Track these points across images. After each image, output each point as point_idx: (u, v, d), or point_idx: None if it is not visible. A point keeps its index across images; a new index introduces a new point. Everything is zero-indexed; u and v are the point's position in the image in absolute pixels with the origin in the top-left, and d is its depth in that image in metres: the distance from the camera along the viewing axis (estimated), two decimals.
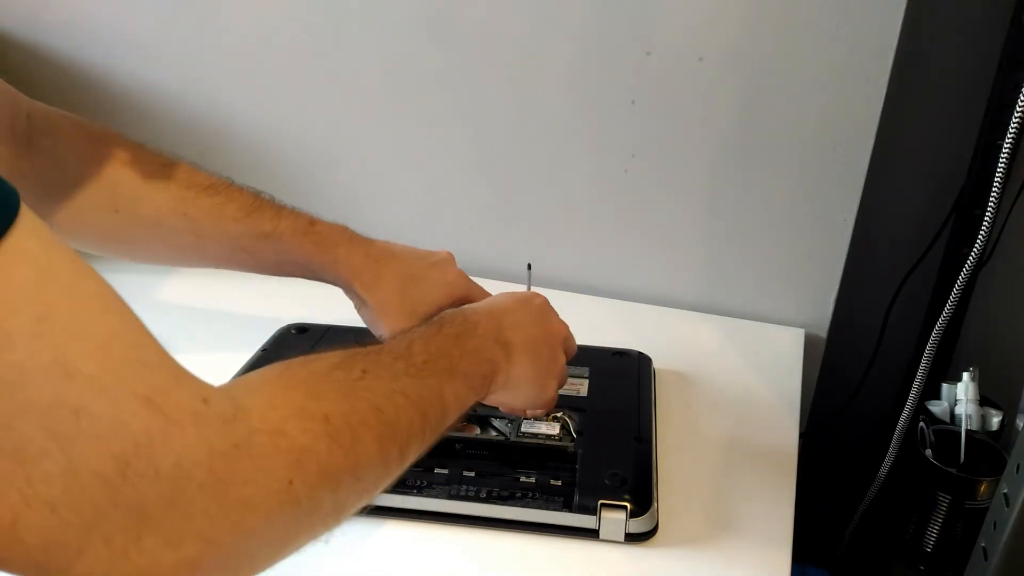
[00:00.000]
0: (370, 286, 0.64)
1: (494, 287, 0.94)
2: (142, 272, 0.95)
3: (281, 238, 0.62)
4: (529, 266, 0.70)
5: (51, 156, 0.57)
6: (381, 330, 0.65)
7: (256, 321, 0.82)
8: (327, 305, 0.75)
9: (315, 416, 0.36)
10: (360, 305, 0.66)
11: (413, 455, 0.43)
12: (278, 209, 0.63)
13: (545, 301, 0.63)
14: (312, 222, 0.64)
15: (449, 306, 0.66)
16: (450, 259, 0.70)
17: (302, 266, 0.63)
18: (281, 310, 0.83)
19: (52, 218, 0.58)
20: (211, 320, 0.87)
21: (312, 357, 0.41)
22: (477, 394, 0.50)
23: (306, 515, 0.36)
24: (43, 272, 0.28)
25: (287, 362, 0.39)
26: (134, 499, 0.28)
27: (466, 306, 0.57)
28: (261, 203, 0.63)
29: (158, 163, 0.60)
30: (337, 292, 0.72)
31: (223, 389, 0.34)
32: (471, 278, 0.70)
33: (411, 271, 0.66)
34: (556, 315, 0.63)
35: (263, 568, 0.35)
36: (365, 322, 0.66)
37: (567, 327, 0.63)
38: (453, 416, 0.47)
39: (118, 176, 0.59)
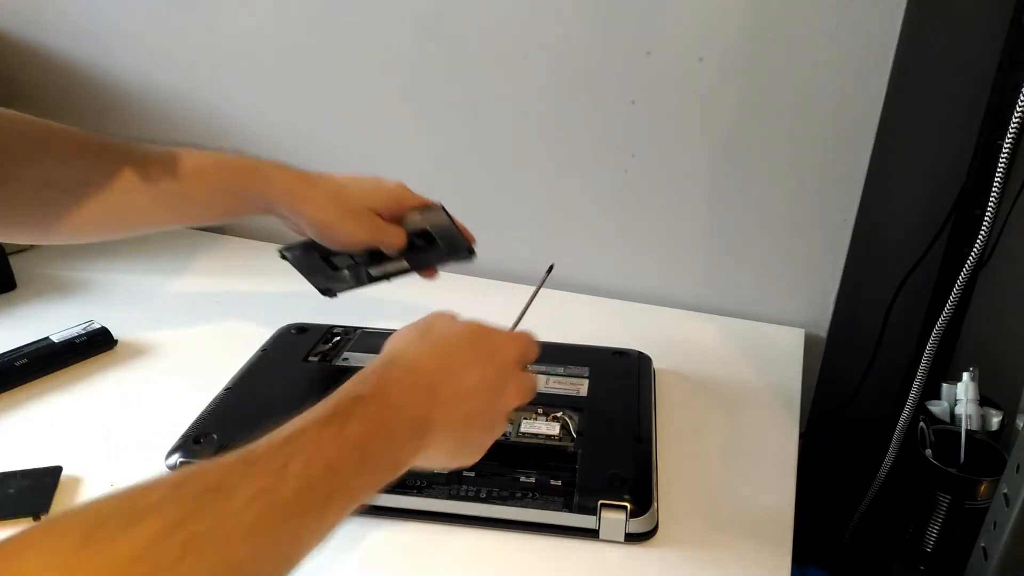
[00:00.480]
0: (308, 201, 0.65)
1: (494, 287, 0.95)
2: (143, 273, 0.96)
3: (209, 171, 0.62)
4: (551, 268, 0.69)
5: None
6: (327, 241, 0.66)
7: (256, 321, 0.82)
8: (327, 305, 0.75)
9: None
10: (299, 222, 0.66)
11: None
12: (200, 149, 0.64)
13: (510, 357, 0.52)
14: (240, 154, 0.65)
15: (389, 209, 0.67)
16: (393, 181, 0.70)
17: (234, 193, 0.64)
18: (281, 310, 0.83)
19: None
20: (211, 320, 0.87)
21: (136, 511, 0.31)
22: (356, 503, 0.41)
23: None
24: None
25: (102, 518, 0.31)
26: None
27: (415, 359, 0.47)
28: (179, 150, 0.63)
29: (80, 136, 0.62)
30: None
31: None
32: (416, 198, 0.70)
33: (345, 179, 0.68)
34: (520, 377, 0.52)
35: None
36: (314, 236, 0.67)
37: (518, 346, 0.53)
38: (316, 546, 0.39)
39: (44, 149, 0.59)
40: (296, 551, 0.37)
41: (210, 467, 0.35)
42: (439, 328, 0.52)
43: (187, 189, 0.62)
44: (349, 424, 0.40)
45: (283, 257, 0.72)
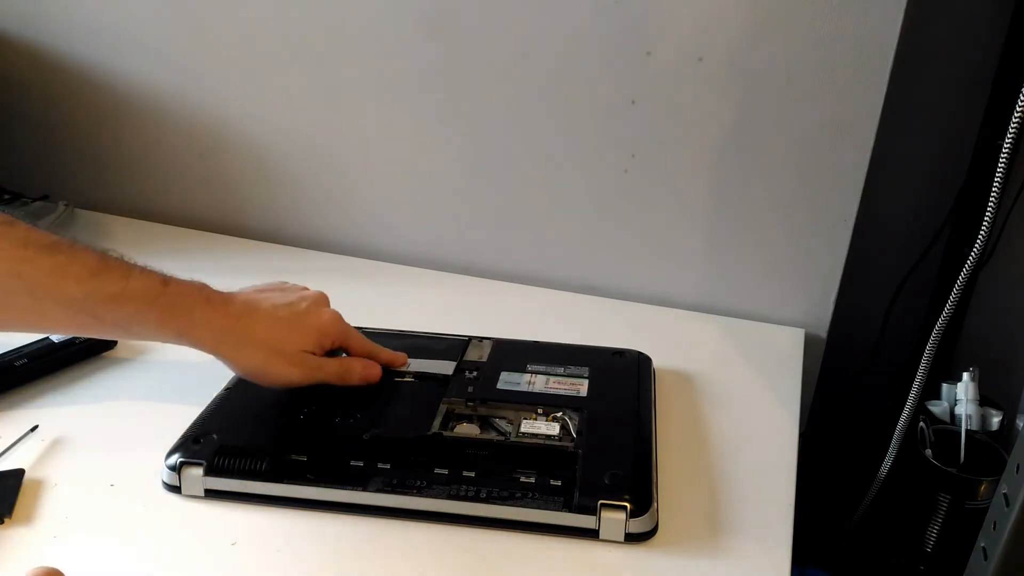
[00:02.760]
0: (237, 349, 0.62)
1: (494, 287, 0.95)
2: None
3: (130, 300, 0.57)
4: None
5: None
6: (261, 383, 0.64)
7: None
8: None
9: None
10: (241, 371, 0.64)
11: None
12: (128, 269, 0.58)
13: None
14: (165, 281, 0.60)
15: (325, 351, 0.66)
16: (322, 299, 0.68)
17: (153, 331, 0.60)
18: None
19: None
20: None
21: None
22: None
23: None
24: None
25: None
26: None
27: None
28: (108, 263, 0.58)
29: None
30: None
31: None
32: (353, 328, 0.69)
33: (278, 325, 0.63)
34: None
35: None
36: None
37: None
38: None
39: None
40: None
41: None
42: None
43: (108, 315, 0.58)
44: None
45: None
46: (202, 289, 0.62)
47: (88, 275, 0.56)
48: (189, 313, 0.60)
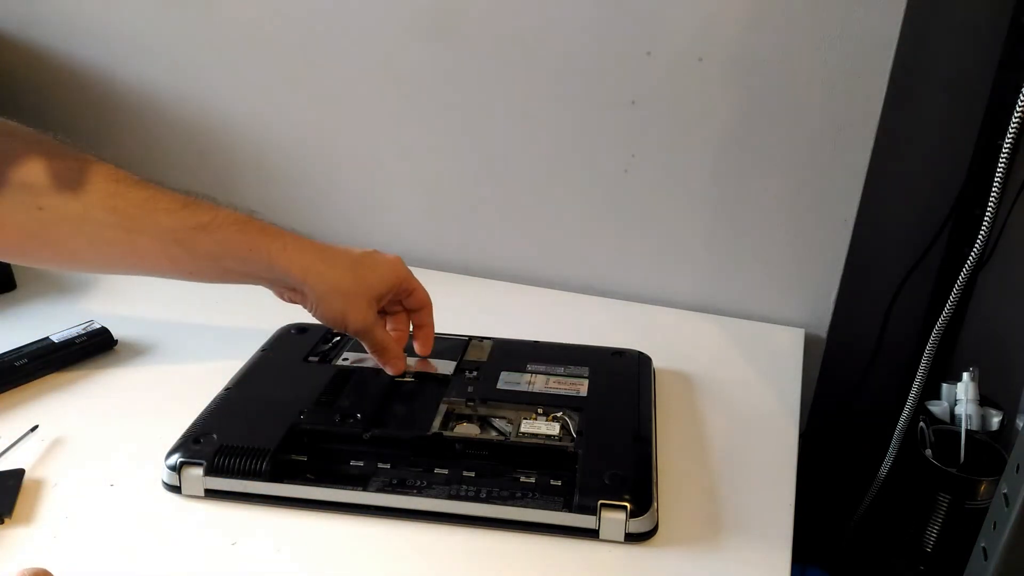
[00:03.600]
0: (324, 274, 0.62)
1: (494, 287, 0.95)
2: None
3: (220, 228, 0.58)
4: None
5: None
6: (343, 322, 0.64)
7: (256, 321, 0.82)
8: None
9: None
10: (314, 303, 0.63)
11: None
12: (213, 202, 0.60)
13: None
14: (251, 214, 0.61)
15: (397, 287, 0.67)
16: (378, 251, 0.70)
17: (243, 259, 0.60)
18: (281, 310, 0.83)
19: None
20: (211, 320, 0.87)
21: None
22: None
23: None
24: None
25: None
26: None
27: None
28: (195, 198, 0.59)
29: (75, 156, 0.57)
30: None
31: None
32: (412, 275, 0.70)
33: (356, 257, 0.65)
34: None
35: None
36: (318, 317, 0.65)
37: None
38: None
39: (37, 171, 0.55)
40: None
41: None
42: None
43: (200, 244, 0.59)
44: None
45: None
46: (282, 229, 0.63)
47: (179, 206, 0.57)
48: (280, 237, 0.61)
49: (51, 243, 0.57)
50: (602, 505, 0.57)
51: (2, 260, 0.57)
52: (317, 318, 0.66)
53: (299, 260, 0.60)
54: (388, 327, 0.71)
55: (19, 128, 0.57)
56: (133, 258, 0.59)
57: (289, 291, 0.65)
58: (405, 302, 0.70)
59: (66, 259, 0.60)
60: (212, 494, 0.60)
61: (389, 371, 0.69)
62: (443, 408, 0.66)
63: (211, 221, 0.58)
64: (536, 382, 0.70)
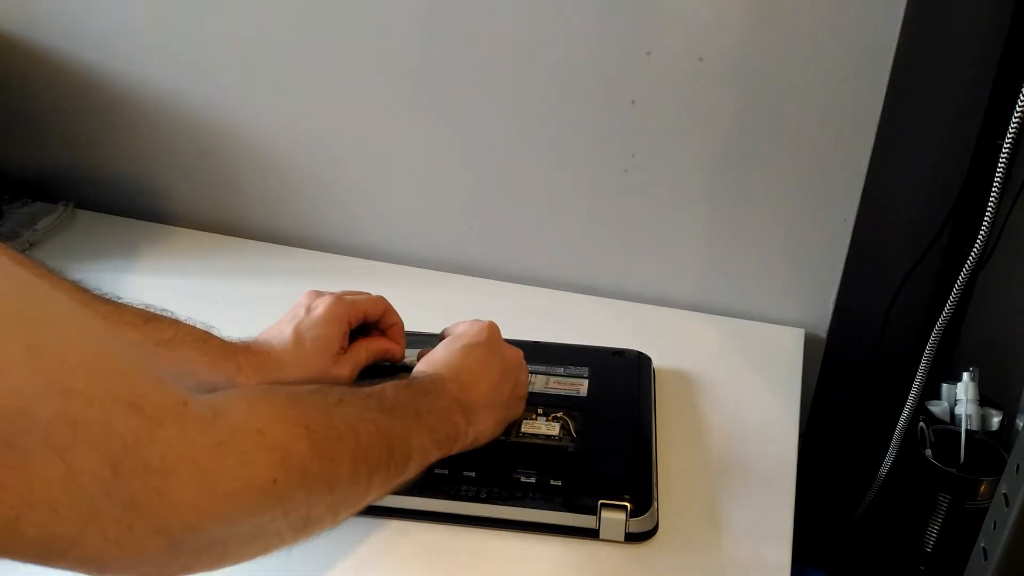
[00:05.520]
0: (282, 368, 0.62)
1: (495, 287, 0.95)
2: (143, 273, 0.96)
3: (181, 345, 0.59)
4: None
5: None
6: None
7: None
8: None
9: (297, 422, 0.39)
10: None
11: (377, 489, 0.46)
12: (174, 319, 0.61)
13: (495, 333, 0.64)
14: (208, 331, 0.62)
15: (342, 333, 0.66)
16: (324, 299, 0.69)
17: (204, 380, 0.60)
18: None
19: None
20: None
21: (289, 384, 0.43)
22: (439, 449, 0.53)
23: (283, 515, 0.37)
24: (20, 304, 0.30)
25: (265, 384, 0.42)
26: (126, 492, 0.30)
27: (430, 364, 0.60)
28: (156, 314, 0.60)
29: (43, 270, 0.56)
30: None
31: (203, 397, 0.36)
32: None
33: (296, 337, 0.65)
34: (505, 344, 0.65)
35: (231, 563, 0.36)
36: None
37: (519, 352, 0.65)
38: (416, 465, 0.50)
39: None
40: (405, 447, 0.49)
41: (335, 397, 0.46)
42: (473, 343, 0.62)
43: (161, 361, 0.58)
44: (415, 384, 0.54)
45: None
46: (240, 342, 0.64)
47: (142, 321, 0.59)
48: (235, 358, 0.61)
49: None
50: (602, 505, 0.57)
51: None
52: None
53: (254, 379, 0.61)
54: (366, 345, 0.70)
55: None
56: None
57: None
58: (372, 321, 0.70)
59: None
60: None
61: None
62: None
63: (172, 338, 0.59)
64: (536, 382, 0.71)
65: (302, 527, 0.40)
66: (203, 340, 0.61)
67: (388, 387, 0.51)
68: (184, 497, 0.32)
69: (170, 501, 0.31)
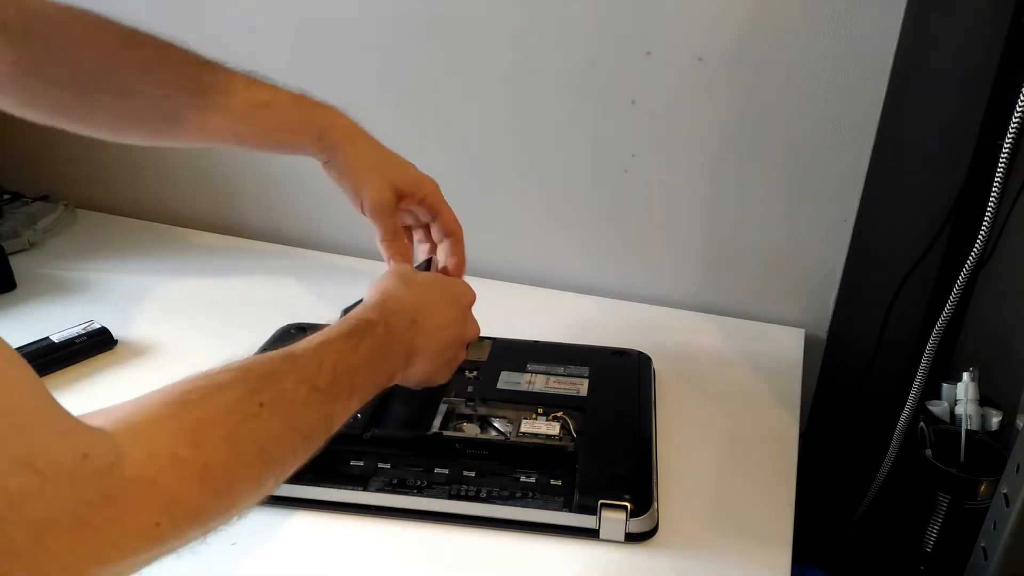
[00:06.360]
0: (356, 141, 0.67)
1: (494, 287, 0.95)
2: (143, 273, 0.96)
3: (280, 105, 0.64)
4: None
5: (52, 47, 0.58)
6: (360, 194, 0.66)
7: (256, 321, 0.82)
8: (327, 306, 0.75)
9: (193, 466, 0.38)
10: (342, 168, 0.67)
11: (290, 474, 0.45)
12: (272, 82, 0.66)
13: (471, 300, 0.65)
14: (303, 92, 0.66)
15: (420, 190, 0.68)
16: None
17: (295, 131, 0.65)
18: (281, 310, 0.83)
19: (57, 105, 0.60)
20: (211, 320, 0.87)
21: (214, 386, 0.42)
22: (363, 402, 0.52)
23: (171, 548, 0.37)
24: None
25: (187, 391, 0.41)
26: (5, 543, 0.30)
27: (402, 297, 0.58)
28: (256, 78, 0.65)
29: (154, 45, 0.62)
30: (335, 292, 0.72)
31: (109, 434, 0.36)
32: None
33: (393, 152, 0.69)
34: (472, 317, 0.66)
35: None
36: (344, 186, 0.67)
37: (471, 292, 0.66)
38: (336, 430, 0.49)
39: (121, 59, 0.60)
40: (328, 428, 0.48)
41: (262, 360, 0.46)
42: (413, 277, 0.62)
43: (261, 120, 0.64)
44: (363, 341, 0.52)
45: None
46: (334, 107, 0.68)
47: (243, 86, 0.63)
48: (330, 112, 0.66)
49: (135, 123, 0.63)
50: (602, 505, 0.57)
51: (96, 137, 0.62)
52: (344, 190, 0.67)
53: (341, 125, 0.66)
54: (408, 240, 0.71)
55: (103, 20, 0.61)
56: (204, 133, 0.64)
57: (325, 165, 0.68)
58: (433, 224, 0.71)
59: (146, 136, 0.65)
60: None
61: (393, 264, 0.68)
62: (443, 408, 0.67)
63: (272, 99, 0.64)
64: (536, 382, 0.71)
65: (200, 539, 0.39)
66: (298, 99, 0.65)
67: (329, 356, 0.48)
68: (63, 545, 0.32)
69: (49, 550, 0.31)
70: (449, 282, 0.65)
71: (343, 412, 0.49)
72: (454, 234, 0.70)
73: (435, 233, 0.70)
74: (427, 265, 0.70)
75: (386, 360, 0.54)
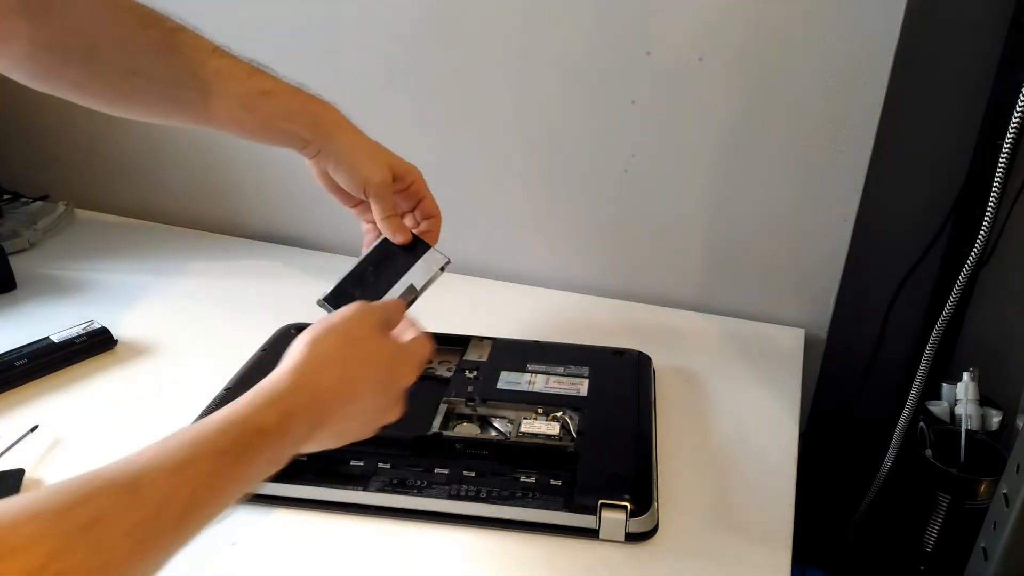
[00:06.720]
0: (355, 135, 0.68)
1: (494, 287, 0.95)
2: (143, 273, 0.96)
3: (280, 94, 0.66)
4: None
5: (69, 22, 0.59)
6: (362, 176, 0.67)
7: (256, 321, 0.82)
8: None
9: None
10: (339, 155, 0.67)
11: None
12: (273, 73, 0.67)
13: (409, 383, 0.55)
14: (300, 87, 0.67)
15: (411, 177, 0.69)
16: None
17: (291, 118, 0.66)
18: (281, 310, 0.83)
19: (70, 79, 0.61)
20: (211, 320, 0.87)
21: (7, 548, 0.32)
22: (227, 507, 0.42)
23: None
24: None
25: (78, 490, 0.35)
26: None
27: (318, 389, 0.48)
28: (257, 67, 0.66)
29: (168, 27, 0.63)
30: None
31: None
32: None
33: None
34: (403, 399, 0.54)
35: None
36: (339, 173, 0.67)
37: (417, 369, 0.56)
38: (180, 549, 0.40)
39: (136, 39, 0.61)
40: (168, 556, 0.38)
41: (93, 493, 0.36)
42: (353, 352, 0.52)
43: (261, 107, 0.65)
44: (245, 455, 0.42)
45: (321, 305, 0.70)
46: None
47: (247, 75, 0.65)
48: (324, 104, 0.67)
49: (143, 101, 0.65)
50: (602, 505, 0.57)
51: (98, 110, 0.64)
52: (339, 180, 0.67)
53: (334, 116, 0.68)
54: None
55: (122, 0, 0.62)
56: (206, 116, 0.65)
57: (316, 156, 0.68)
58: (416, 209, 0.72)
59: (151, 114, 0.67)
60: None
61: (397, 240, 0.68)
62: (443, 408, 0.67)
63: (273, 88, 0.65)
64: (536, 382, 0.71)
65: None
66: (297, 91, 0.67)
67: (198, 473, 0.40)
68: None
69: None
70: (397, 357, 0.54)
71: (196, 532, 0.39)
72: (435, 215, 0.71)
73: (418, 216, 0.72)
74: (412, 297, 0.68)
75: (272, 466, 0.45)
